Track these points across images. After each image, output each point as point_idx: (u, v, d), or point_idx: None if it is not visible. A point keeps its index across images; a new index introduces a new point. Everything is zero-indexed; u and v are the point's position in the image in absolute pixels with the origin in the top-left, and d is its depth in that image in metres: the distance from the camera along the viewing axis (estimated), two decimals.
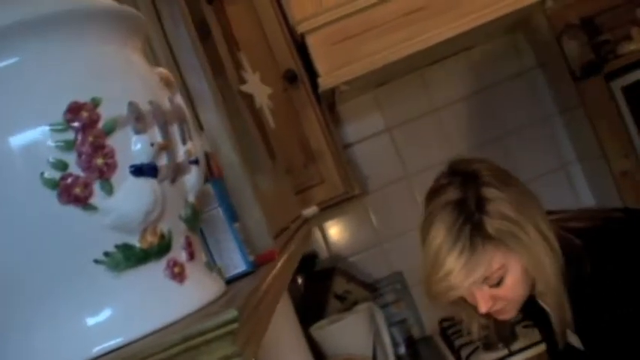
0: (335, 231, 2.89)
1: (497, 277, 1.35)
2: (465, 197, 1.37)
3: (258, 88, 1.46)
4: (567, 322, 1.40)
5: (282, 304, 2.08)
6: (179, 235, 0.70)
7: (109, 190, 0.63)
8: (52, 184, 0.62)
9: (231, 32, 1.68)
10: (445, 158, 2.80)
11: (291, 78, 2.44)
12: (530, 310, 1.54)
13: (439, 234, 1.35)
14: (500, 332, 1.57)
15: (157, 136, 0.67)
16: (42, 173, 0.61)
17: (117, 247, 0.65)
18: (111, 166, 0.63)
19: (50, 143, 0.61)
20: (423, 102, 2.87)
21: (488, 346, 2.37)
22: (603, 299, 1.35)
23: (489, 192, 1.36)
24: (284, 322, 1.99)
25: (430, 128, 2.88)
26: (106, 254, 0.65)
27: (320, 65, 2.35)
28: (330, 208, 2.53)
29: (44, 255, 0.63)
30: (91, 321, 0.66)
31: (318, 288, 2.61)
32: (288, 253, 1.17)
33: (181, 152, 0.71)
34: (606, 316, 1.35)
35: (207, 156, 0.91)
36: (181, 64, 0.96)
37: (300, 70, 2.45)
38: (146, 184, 0.65)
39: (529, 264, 1.36)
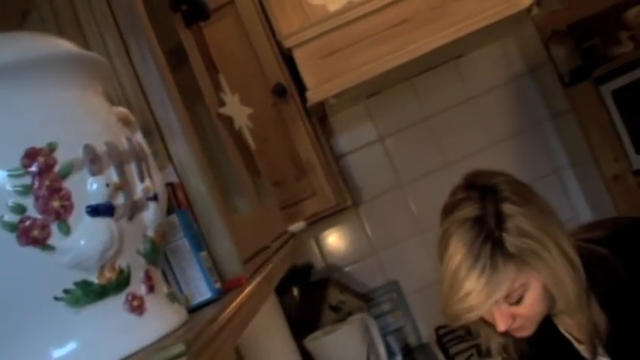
0: (330, 241, 2.92)
1: (518, 296, 1.32)
2: (484, 214, 1.32)
3: (237, 109, 1.49)
4: (599, 336, 1.37)
5: (274, 317, 2.12)
6: (138, 269, 0.74)
7: (66, 230, 0.67)
8: (12, 227, 0.65)
9: (211, 54, 1.71)
10: (438, 166, 2.86)
11: (280, 92, 2.48)
12: (553, 344, 1.51)
13: (458, 252, 1.31)
14: (519, 350, 1.55)
15: (113, 176, 0.71)
16: (1, 217, 0.65)
17: (76, 284, 0.68)
18: (67, 208, 0.67)
19: (9, 188, 0.65)
20: (415, 111, 2.91)
21: (486, 354, 2.40)
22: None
23: (509, 208, 1.32)
24: (276, 335, 2.02)
25: (422, 137, 2.91)
26: (66, 291, 0.68)
27: (308, 79, 2.39)
28: (324, 220, 2.57)
29: (7, 294, 0.67)
30: (56, 354, 0.70)
31: (313, 299, 2.65)
32: (266, 272, 1.21)
33: (139, 190, 0.74)
34: None
35: (173, 187, 0.94)
36: (150, 97, 0.99)
37: (289, 83, 2.48)
38: (102, 223, 0.69)
39: (549, 282, 1.32)
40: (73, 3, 1.00)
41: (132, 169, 0.74)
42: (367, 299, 2.78)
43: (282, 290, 2.66)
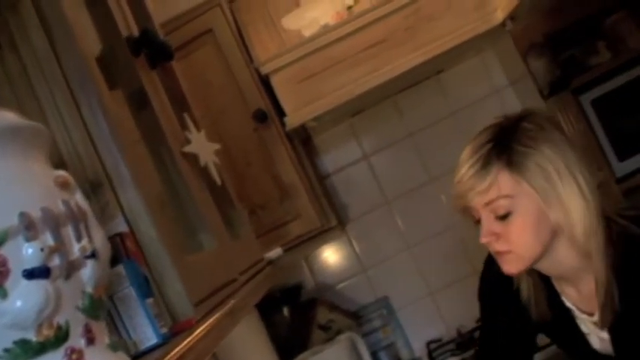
0: (320, 261, 2.98)
1: (504, 209, 1.32)
2: (504, 123, 1.38)
3: (202, 146, 1.55)
4: (612, 307, 1.34)
5: (259, 342, 2.17)
6: (77, 324, 0.79)
7: (3, 294, 0.73)
8: None
9: (182, 90, 1.77)
10: (423, 182, 2.91)
11: (260, 117, 2.54)
12: (553, 313, 1.49)
13: (469, 147, 1.39)
14: (538, 304, 1.53)
15: (49, 240, 0.77)
16: None
17: (15, 342, 0.74)
18: (4, 273, 0.73)
19: None
20: (398, 128, 2.96)
21: None
22: None
23: (529, 125, 1.34)
24: (259, 358, 2.08)
25: (406, 153, 2.96)
26: (6, 350, 0.74)
27: (286, 104, 2.45)
28: (313, 240, 2.62)
29: None
30: None
31: (303, 319, 2.70)
32: (229, 307, 1.26)
33: (75, 250, 0.80)
34: None
35: (122, 237, 1.00)
36: (100, 149, 1.05)
37: (269, 108, 2.55)
38: (38, 285, 0.75)
39: (554, 210, 1.30)
40: (22, 60, 1.06)
41: (68, 230, 0.80)
42: (357, 317, 2.83)
43: (272, 311, 2.71)
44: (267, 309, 2.67)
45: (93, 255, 0.82)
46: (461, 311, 2.85)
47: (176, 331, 0.99)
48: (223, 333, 1.19)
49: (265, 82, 2.52)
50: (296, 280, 2.93)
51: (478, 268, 2.80)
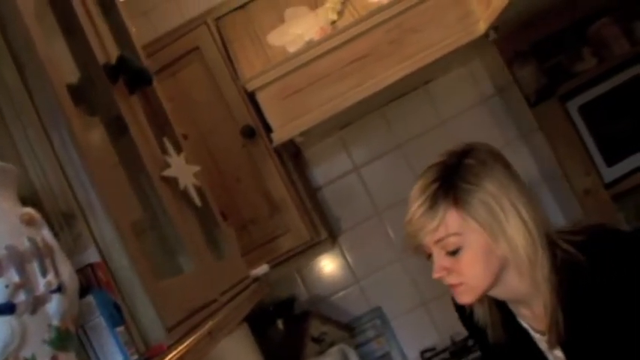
0: (313, 273, 3.01)
1: (453, 245, 1.38)
2: (449, 161, 1.43)
3: (182, 169, 1.58)
4: (558, 328, 1.40)
5: (250, 357, 2.20)
6: (44, 357, 0.83)
7: None
8: None
9: (163, 114, 1.81)
10: None
11: (248, 133, 2.58)
12: (512, 333, 1.55)
13: (417, 186, 1.44)
14: (494, 327, 1.58)
15: (14, 277, 0.80)
16: None
17: None
18: None
19: None
20: (388, 139, 3.00)
21: None
22: (603, 307, 1.36)
23: (472, 161, 1.40)
24: None
25: (396, 164, 2.99)
26: None
27: (272, 120, 2.49)
28: (303, 253, 2.65)
29: None
30: None
31: (296, 332, 2.73)
32: (206, 328, 1.29)
33: (41, 285, 0.84)
34: (602, 327, 1.36)
35: (93, 268, 1.04)
36: (72, 181, 1.08)
37: (257, 124, 2.58)
38: (3, 321, 0.78)
39: (501, 243, 1.37)
40: None
41: (34, 266, 0.84)
42: (350, 328, 2.86)
43: (266, 325, 2.74)
44: (260, 323, 2.70)
45: (59, 289, 0.85)
46: (454, 320, 2.86)
47: (149, 356, 1.02)
48: (200, 355, 1.22)
49: (253, 98, 2.55)
50: (289, 293, 2.95)
51: None
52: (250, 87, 2.49)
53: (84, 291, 0.98)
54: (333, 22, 2.55)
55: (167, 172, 1.51)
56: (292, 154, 2.88)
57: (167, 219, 1.44)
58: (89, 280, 1.01)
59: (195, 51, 2.68)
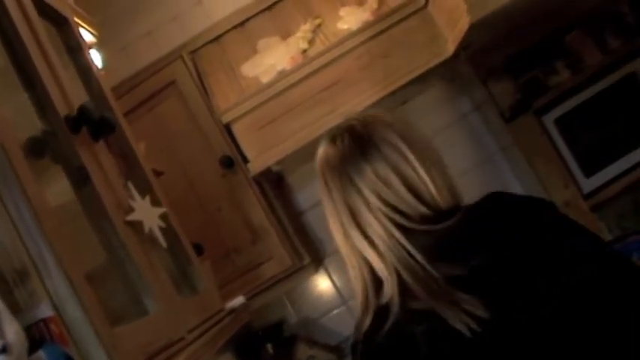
0: (301, 296, 3.06)
1: None
2: None
3: (146, 212, 1.65)
4: None
5: None
6: None
7: None
8: None
9: (132, 156, 1.88)
10: None
11: (227, 163, 2.65)
12: None
13: None
14: None
15: None
16: None
17: None
18: None
19: None
20: None
21: None
22: None
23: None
24: None
25: None
26: None
27: (248, 151, 2.56)
28: (289, 278, 2.72)
29: None
30: None
31: (285, 356, 2.79)
32: None
33: None
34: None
35: (45, 322, 1.10)
36: (25, 238, 1.15)
37: (235, 154, 2.65)
38: None
39: None
40: None
41: None
42: (339, 349, 2.91)
43: (255, 350, 2.80)
44: (249, 348, 2.76)
45: (4, 350, 0.91)
46: None
47: None
48: None
49: (230, 129, 2.62)
50: (279, 316, 3.01)
51: None
52: (225, 119, 2.56)
53: (36, 346, 1.04)
54: (305, 51, 2.61)
55: (131, 217, 1.57)
56: (274, 181, 2.95)
57: (131, 263, 1.50)
58: (42, 335, 1.07)
59: (172, 85, 2.76)
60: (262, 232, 2.66)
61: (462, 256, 1.19)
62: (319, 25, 2.68)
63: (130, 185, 1.66)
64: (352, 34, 2.54)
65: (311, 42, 2.64)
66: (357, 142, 1.34)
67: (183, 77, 2.74)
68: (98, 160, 1.61)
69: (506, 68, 2.87)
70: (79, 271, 1.21)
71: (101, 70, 2.25)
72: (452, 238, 1.22)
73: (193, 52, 2.81)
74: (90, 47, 2.21)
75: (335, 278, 3.06)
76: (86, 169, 1.52)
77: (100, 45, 2.53)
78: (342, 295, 3.05)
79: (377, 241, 1.27)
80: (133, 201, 1.63)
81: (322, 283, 3.06)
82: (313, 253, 2.95)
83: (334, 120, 2.49)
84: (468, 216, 1.25)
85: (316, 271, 2.95)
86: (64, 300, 1.14)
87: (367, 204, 1.29)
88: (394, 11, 2.54)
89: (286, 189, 3.07)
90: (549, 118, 2.85)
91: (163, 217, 1.74)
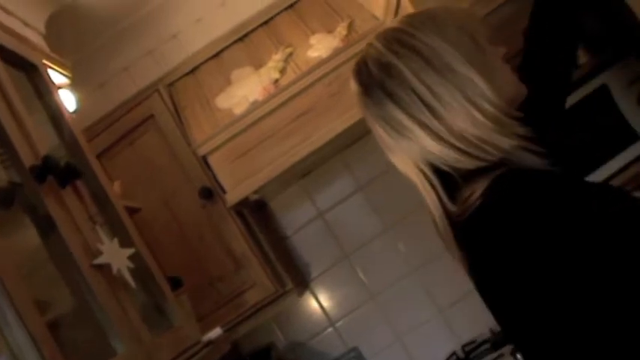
0: (289, 319, 3.12)
1: None
2: None
3: (114, 254, 1.71)
4: None
5: None
6: None
7: None
8: None
9: (104, 197, 1.95)
10: (378, 232, 3.06)
11: (206, 194, 2.72)
12: None
13: None
14: None
15: None
16: None
17: None
18: None
19: None
20: (348, 182, 3.12)
21: None
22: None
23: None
24: None
25: (359, 206, 3.12)
26: None
27: (224, 182, 2.63)
28: (273, 303, 2.78)
29: None
30: None
31: None
32: None
33: None
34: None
35: None
36: None
37: (214, 185, 2.72)
38: None
39: None
40: None
41: None
42: None
43: None
44: None
45: None
46: (430, 352, 3.00)
47: None
48: None
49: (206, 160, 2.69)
50: (267, 341, 3.07)
51: (443, 308, 2.95)
52: (201, 152, 2.63)
53: None
54: (276, 81, 2.68)
55: (98, 260, 1.64)
56: (256, 207, 3.01)
57: (98, 305, 1.57)
58: None
59: (151, 119, 2.83)
60: (244, 260, 2.72)
61: None
62: (291, 54, 2.75)
63: (98, 228, 1.73)
64: (322, 62, 2.61)
65: (283, 71, 2.71)
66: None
67: (161, 111, 2.82)
68: (65, 206, 1.68)
69: None
70: (40, 323, 1.28)
71: (74, 111, 2.32)
72: None
73: (170, 85, 2.89)
74: (61, 88, 2.28)
75: (322, 301, 3.12)
76: (51, 217, 1.58)
77: (77, 84, 2.61)
78: (329, 318, 3.11)
79: None
80: (101, 244, 1.69)
81: (310, 307, 3.13)
82: (298, 277, 3.02)
83: (308, 148, 2.61)
84: None
85: (301, 295, 3.01)
86: (25, 351, 1.21)
87: None
88: (363, 37, 2.59)
89: (269, 215, 3.14)
90: None
91: (135, 256, 1.80)
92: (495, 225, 1.14)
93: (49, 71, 2.18)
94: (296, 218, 3.15)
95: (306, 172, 3.11)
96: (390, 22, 1.60)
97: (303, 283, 3.04)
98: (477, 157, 1.19)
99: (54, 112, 2.05)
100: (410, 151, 1.28)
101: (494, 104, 1.20)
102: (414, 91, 1.23)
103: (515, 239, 1.11)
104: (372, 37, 1.38)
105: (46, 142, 1.85)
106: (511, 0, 2.26)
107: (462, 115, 1.20)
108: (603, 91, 2.85)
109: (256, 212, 3.00)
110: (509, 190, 1.14)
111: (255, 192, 2.66)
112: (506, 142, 1.17)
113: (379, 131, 1.36)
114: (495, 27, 1.50)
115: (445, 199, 1.24)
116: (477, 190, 1.17)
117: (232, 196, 2.61)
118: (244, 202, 2.74)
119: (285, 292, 2.76)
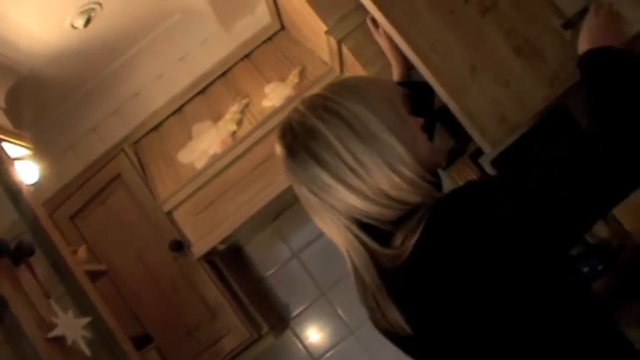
0: None
1: None
2: None
3: (69, 325, 1.87)
4: None
5: None
6: None
7: None
8: None
9: (63, 269, 2.10)
10: None
11: (176, 247, 2.87)
12: None
13: None
14: None
15: None
16: None
17: None
18: None
19: None
20: None
21: None
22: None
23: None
24: None
25: (332, 243, 3.24)
26: None
27: (190, 235, 2.79)
28: (252, 347, 2.92)
29: None
30: None
31: None
32: None
33: None
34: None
35: None
36: None
37: (183, 237, 2.87)
38: None
39: None
40: None
41: None
42: None
43: None
44: None
45: None
46: None
47: None
48: None
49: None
50: None
51: None
52: (166, 208, 2.79)
53: None
54: (234, 133, 2.84)
55: (52, 334, 1.80)
56: (231, 252, 3.16)
57: None
58: None
59: (118, 178, 3.00)
60: (218, 308, 2.87)
61: None
62: (247, 105, 2.91)
63: (52, 302, 1.89)
64: (276, 111, 2.76)
65: (239, 123, 2.87)
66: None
67: (127, 169, 2.98)
68: (19, 284, 1.84)
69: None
70: None
71: (36, 183, 2.48)
72: None
73: (135, 142, 3.06)
74: (20, 160, 2.43)
75: (303, 339, 3.25)
76: (4, 296, 1.74)
77: (46, 149, 2.79)
78: (311, 356, 3.25)
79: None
80: (55, 317, 1.85)
81: (292, 346, 3.26)
82: (277, 317, 3.15)
83: (270, 195, 2.76)
84: None
85: (279, 337, 3.14)
86: None
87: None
88: (313, 83, 2.75)
89: (245, 258, 3.28)
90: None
91: (95, 322, 1.95)
92: (451, 243, 1.21)
93: (5, 145, 2.32)
94: (272, 259, 3.30)
95: (277, 215, 3.25)
96: (317, 89, 1.72)
97: (282, 323, 3.18)
98: (399, 209, 1.31)
99: (11, 188, 2.20)
100: (334, 209, 1.37)
101: (412, 169, 1.31)
102: (338, 155, 1.32)
103: (472, 248, 1.18)
104: (297, 102, 1.47)
105: (7, 215, 2.01)
106: None
107: (383, 179, 1.31)
108: (562, 110, 2.97)
109: (231, 257, 3.14)
110: (447, 215, 1.24)
111: (223, 241, 2.80)
112: (420, 198, 1.30)
113: (304, 193, 1.41)
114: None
115: (376, 246, 1.34)
116: (411, 230, 1.27)
117: (198, 249, 2.76)
118: (213, 252, 2.88)
119: (260, 335, 2.89)
